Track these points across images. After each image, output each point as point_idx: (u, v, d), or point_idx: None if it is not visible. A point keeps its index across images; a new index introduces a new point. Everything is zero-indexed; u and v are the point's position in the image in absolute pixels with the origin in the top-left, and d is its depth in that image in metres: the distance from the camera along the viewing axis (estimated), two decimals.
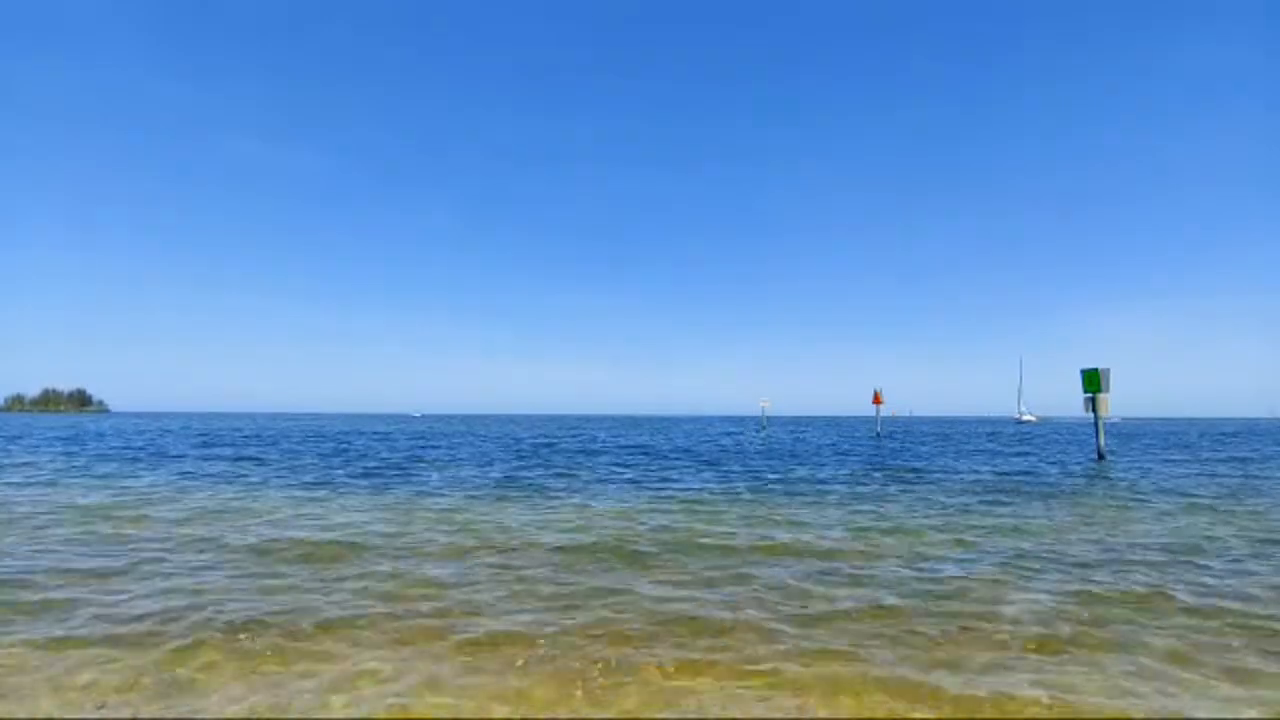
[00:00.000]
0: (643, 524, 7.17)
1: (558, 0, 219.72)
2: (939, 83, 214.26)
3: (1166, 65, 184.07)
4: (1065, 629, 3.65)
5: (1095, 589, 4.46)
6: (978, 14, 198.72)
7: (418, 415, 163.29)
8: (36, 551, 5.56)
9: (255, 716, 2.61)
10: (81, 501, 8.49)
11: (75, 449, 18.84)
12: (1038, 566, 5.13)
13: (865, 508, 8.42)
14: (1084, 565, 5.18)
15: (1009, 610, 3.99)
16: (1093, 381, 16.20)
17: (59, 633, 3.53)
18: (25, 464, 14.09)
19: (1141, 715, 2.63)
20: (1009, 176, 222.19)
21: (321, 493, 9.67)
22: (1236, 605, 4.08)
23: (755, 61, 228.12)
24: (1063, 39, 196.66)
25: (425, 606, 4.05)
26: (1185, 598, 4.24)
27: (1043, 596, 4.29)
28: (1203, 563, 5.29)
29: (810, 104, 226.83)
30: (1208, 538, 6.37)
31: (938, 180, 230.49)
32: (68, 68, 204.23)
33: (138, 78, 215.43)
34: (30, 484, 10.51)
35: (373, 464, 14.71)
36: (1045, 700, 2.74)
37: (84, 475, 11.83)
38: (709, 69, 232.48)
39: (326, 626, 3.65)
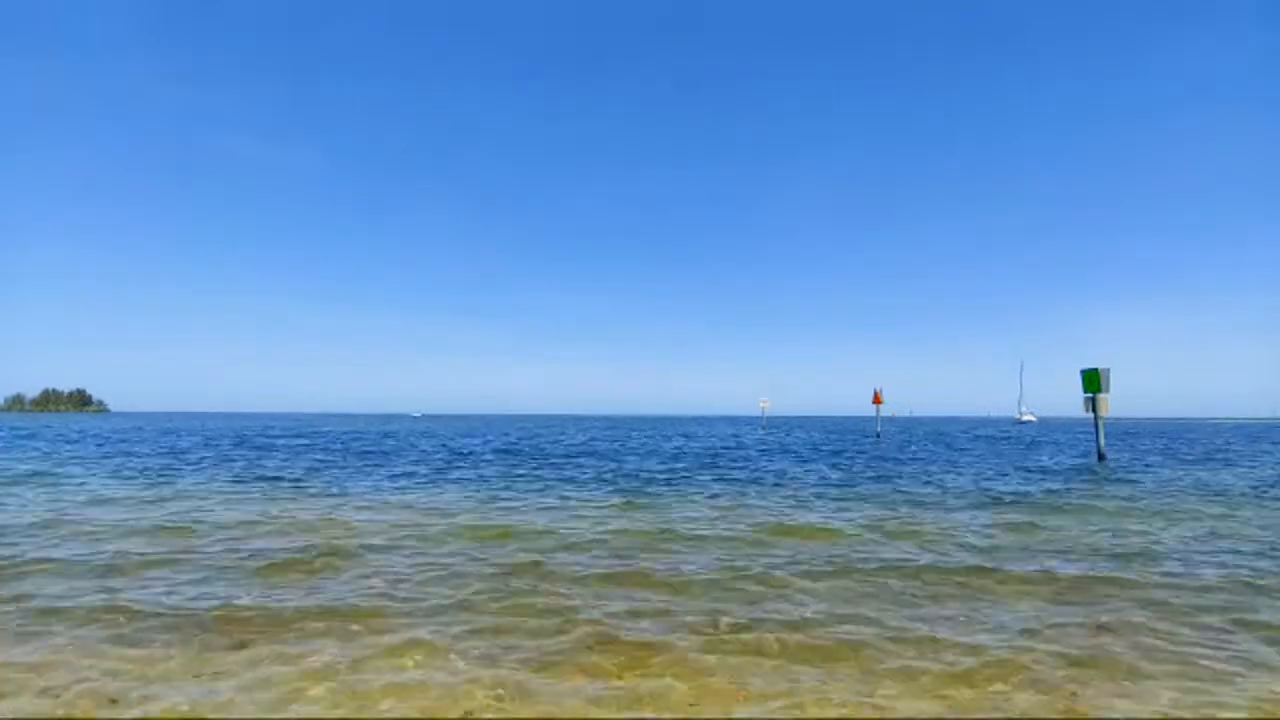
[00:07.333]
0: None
1: (559, 2, 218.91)
2: (939, 83, 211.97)
3: (1166, 65, 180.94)
4: None
5: None
6: (979, 14, 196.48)
7: (417, 415, 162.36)
8: None
9: None
10: None
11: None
12: None
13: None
14: None
15: None
16: (1092, 382, 15.22)
17: None
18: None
19: None
20: (1009, 176, 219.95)
21: None
22: None
23: (756, 62, 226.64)
24: (1063, 39, 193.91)
25: None
26: None
27: None
28: None
29: (810, 104, 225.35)
30: None
31: (938, 180, 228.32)
32: (68, 68, 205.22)
33: (138, 78, 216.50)
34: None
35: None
36: None
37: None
38: (710, 70, 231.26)
39: None
